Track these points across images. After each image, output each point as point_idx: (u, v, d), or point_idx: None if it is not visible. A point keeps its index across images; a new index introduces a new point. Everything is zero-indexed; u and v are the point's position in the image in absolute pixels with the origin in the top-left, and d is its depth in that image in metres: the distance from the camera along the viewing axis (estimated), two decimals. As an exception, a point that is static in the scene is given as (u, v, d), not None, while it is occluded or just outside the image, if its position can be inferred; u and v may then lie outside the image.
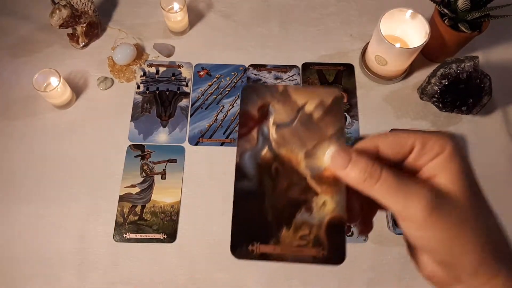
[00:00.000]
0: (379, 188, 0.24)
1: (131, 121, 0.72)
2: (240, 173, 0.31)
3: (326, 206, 0.30)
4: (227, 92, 0.74)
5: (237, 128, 0.70)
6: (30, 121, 0.72)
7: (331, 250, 0.29)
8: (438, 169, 0.25)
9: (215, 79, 0.75)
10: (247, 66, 0.76)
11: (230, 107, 0.73)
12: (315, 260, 0.29)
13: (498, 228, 0.25)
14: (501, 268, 0.24)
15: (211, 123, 0.72)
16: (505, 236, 0.25)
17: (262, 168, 0.31)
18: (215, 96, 0.74)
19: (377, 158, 0.26)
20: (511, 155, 0.69)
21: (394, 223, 0.63)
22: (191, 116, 0.72)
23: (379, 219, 0.65)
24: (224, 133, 0.71)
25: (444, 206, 0.24)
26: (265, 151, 0.30)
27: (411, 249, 0.28)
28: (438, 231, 0.24)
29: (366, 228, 0.30)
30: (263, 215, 0.30)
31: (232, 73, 0.76)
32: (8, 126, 0.71)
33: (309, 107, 0.31)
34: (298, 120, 0.31)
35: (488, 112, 0.73)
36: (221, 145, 0.70)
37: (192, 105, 0.73)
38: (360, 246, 0.64)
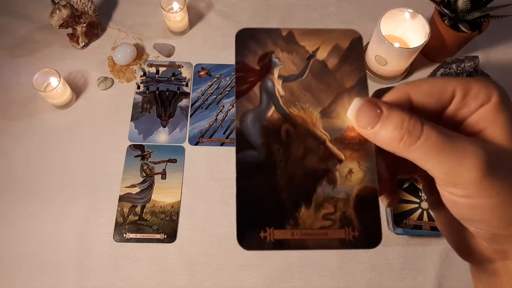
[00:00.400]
0: (420, 148, 0.19)
1: (131, 121, 0.72)
2: (242, 141, 0.24)
3: (352, 175, 0.24)
4: (227, 92, 0.74)
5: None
6: (30, 121, 0.71)
7: (363, 231, 0.23)
8: (486, 120, 0.20)
9: (215, 79, 0.75)
10: None
11: (230, 107, 0.73)
12: (345, 244, 0.23)
13: None
14: None
15: (211, 123, 0.72)
16: None
17: (270, 133, 0.24)
18: (215, 96, 0.74)
19: (415, 111, 0.21)
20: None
21: (394, 223, 0.63)
22: (191, 116, 0.72)
23: (379, 219, 0.65)
24: (224, 133, 0.71)
25: (500, 165, 0.19)
26: (271, 112, 0.24)
27: (443, 223, 0.25)
28: (493, 196, 0.19)
29: (394, 198, 0.25)
30: (275, 192, 0.23)
31: (232, 73, 0.76)
32: (8, 126, 0.71)
33: (321, 54, 0.25)
34: (309, 70, 0.25)
35: (488, 112, 0.72)
36: (221, 145, 0.70)
37: (192, 105, 0.73)
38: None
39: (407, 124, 0.20)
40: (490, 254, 0.22)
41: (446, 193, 0.20)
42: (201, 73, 0.76)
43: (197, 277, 0.62)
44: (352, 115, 0.22)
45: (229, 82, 0.75)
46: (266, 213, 0.23)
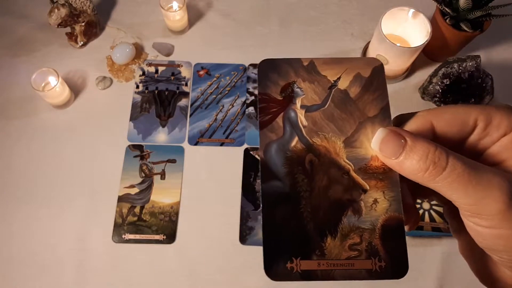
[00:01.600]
0: (446, 179, 0.19)
1: (130, 121, 0.72)
2: (267, 171, 0.24)
3: (378, 205, 0.24)
4: (226, 92, 0.73)
5: (237, 128, 0.69)
6: (28, 121, 0.71)
7: (390, 261, 0.23)
8: (508, 151, 0.21)
9: (215, 79, 0.74)
10: (247, 66, 0.76)
11: (230, 106, 0.72)
12: (372, 275, 0.23)
13: None
14: None
15: (210, 123, 0.71)
16: None
17: (294, 163, 0.25)
18: (214, 96, 0.73)
19: (437, 139, 0.21)
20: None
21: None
22: (190, 116, 0.72)
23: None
24: (224, 133, 0.70)
25: None
26: (295, 142, 0.25)
27: (466, 250, 0.24)
28: None
29: (416, 223, 0.25)
30: (301, 223, 0.24)
31: (232, 73, 0.75)
32: (6, 125, 0.71)
33: (343, 83, 0.26)
34: (331, 99, 0.26)
35: (489, 112, 0.72)
36: (221, 145, 0.69)
37: (191, 105, 0.73)
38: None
39: (432, 155, 0.20)
40: None
41: (471, 223, 0.20)
42: (201, 72, 0.75)
43: (197, 278, 0.61)
44: (376, 145, 0.22)
45: (229, 81, 0.74)
46: (293, 244, 0.23)
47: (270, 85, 0.26)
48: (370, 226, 0.23)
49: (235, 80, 0.74)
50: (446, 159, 0.19)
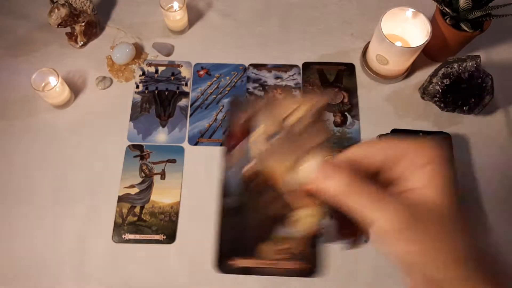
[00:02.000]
0: (355, 199, 0.24)
1: (130, 121, 0.72)
2: (225, 189, 0.32)
3: (304, 220, 0.30)
4: (226, 92, 0.73)
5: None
6: (29, 121, 0.71)
7: (309, 263, 0.31)
8: (423, 180, 0.24)
9: (215, 79, 0.75)
10: (247, 66, 0.76)
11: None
12: (293, 273, 0.31)
13: (479, 247, 0.24)
14: (487, 283, 0.23)
15: (210, 123, 0.71)
16: (488, 254, 0.25)
17: (246, 184, 0.31)
18: (214, 96, 0.73)
19: (358, 169, 0.26)
20: (513, 155, 0.69)
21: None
22: (190, 116, 0.72)
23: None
24: (223, 133, 0.70)
25: (425, 218, 0.23)
26: (247, 167, 0.30)
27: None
28: (418, 244, 0.23)
29: (355, 242, 0.31)
30: (244, 230, 0.31)
31: (232, 73, 0.75)
32: (6, 126, 0.71)
33: (293, 119, 0.31)
34: (282, 132, 0.31)
35: (490, 111, 0.72)
36: (221, 145, 0.69)
37: (191, 105, 0.73)
38: (361, 247, 0.63)
39: (349, 179, 0.25)
40: None
41: (379, 239, 0.24)
42: (201, 72, 0.75)
43: (197, 278, 0.61)
44: (308, 172, 0.27)
45: (229, 81, 0.74)
46: (236, 246, 0.31)
47: (236, 120, 0.31)
48: (298, 236, 0.30)
49: (235, 80, 0.74)
50: (359, 184, 0.24)
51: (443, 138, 0.69)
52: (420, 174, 0.24)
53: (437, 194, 0.24)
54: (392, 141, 0.26)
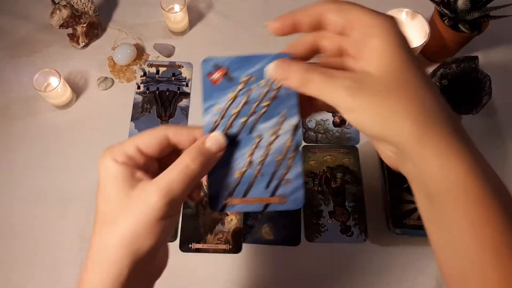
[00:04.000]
0: (312, 87, 0.27)
1: (131, 121, 0.72)
2: (185, 205, 0.65)
3: (232, 221, 0.64)
4: (264, 110, 0.33)
5: (290, 175, 0.33)
6: (30, 121, 0.72)
7: (234, 246, 0.63)
8: (373, 51, 0.26)
9: (241, 86, 0.34)
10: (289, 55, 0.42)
11: (273, 137, 0.33)
12: (226, 251, 0.62)
13: (439, 101, 0.26)
14: (452, 135, 0.25)
15: (242, 169, 0.33)
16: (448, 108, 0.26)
17: (198, 201, 0.64)
18: (243, 119, 0.33)
19: (316, 49, 0.32)
20: (511, 155, 0.70)
21: (394, 223, 0.63)
22: (210, 174, 0.33)
23: (378, 219, 0.65)
24: (267, 186, 0.33)
25: (367, 84, 0.25)
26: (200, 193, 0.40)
27: (373, 144, 0.31)
28: (368, 108, 0.25)
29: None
30: (197, 227, 0.64)
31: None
32: (8, 126, 0.71)
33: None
34: None
35: (487, 112, 0.73)
36: (264, 208, 0.34)
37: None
38: (359, 246, 0.64)
39: (305, 73, 0.28)
40: (396, 158, 0.28)
41: (347, 118, 0.27)
42: (215, 76, 0.34)
43: (197, 277, 0.62)
44: (270, 73, 0.31)
45: (266, 88, 0.33)
46: (192, 236, 0.64)
47: None
48: (227, 230, 0.64)
49: (276, 85, 0.34)
50: (313, 74, 0.28)
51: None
52: (370, 45, 0.26)
53: (381, 61, 0.25)
54: (342, 5, 0.28)
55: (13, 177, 0.68)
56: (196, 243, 0.63)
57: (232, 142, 0.32)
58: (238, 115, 0.33)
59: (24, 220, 0.65)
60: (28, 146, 0.70)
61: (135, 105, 0.73)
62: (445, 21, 0.68)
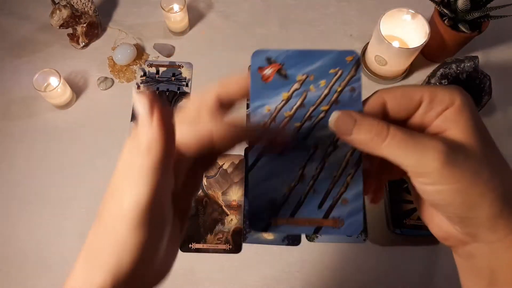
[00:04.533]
0: (389, 144, 0.23)
1: (131, 121, 0.72)
2: None
3: (232, 221, 0.64)
4: (322, 115, 0.28)
5: (348, 195, 0.29)
6: (30, 121, 0.72)
7: (234, 246, 0.63)
8: (448, 122, 0.24)
9: (296, 85, 0.28)
10: (359, 54, 0.30)
11: (330, 148, 0.28)
12: (225, 251, 0.63)
13: None
14: None
15: (292, 184, 0.27)
16: None
17: (198, 201, 0.65)
18: (297, 125, 0.28)
19: (383, 117, 0.25)
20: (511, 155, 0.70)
21: (394, 224, 0.63)
22: (252, 186, 0.28)
23: (378, 219, 0.65)
24: (320, 206, 0.27)
25: (459, 156, 0.23)
26: (200, 192, 0.54)
27: (424, 212, 0.28)
28: (453, 182, 0.22)
29: (377, 196, 0.29)
30: (198, 227, 0.64)
31: (331, 71, 0.28)
32: (8, 126, 0.71)
33: (225, 166, 0.66)
34: (219, 174, 0.65)
35: (487, 112, 0.73)
36: (316, 231, 0.28)
37: (248, 150, 0.28)
38: (360, 246, 0.64)
39: (376, 127, 0.24)
40: (462, 237, 0.25)
41: (417, 183, 0.24)
42: (267, 71, 0.28)
43: (198, 277, 0.62)
44: (332, 125, 0.25)
45: (326, 90, 0.28)
46: (192, 236, 0.63)
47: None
48: (227, 230, 0.63)
49: (339, 87, 0.28)
50: (387, 129, 0.23)
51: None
52: (443, 118, 0.24)
53: (467, 133, 0.23)
54: (416, 85, 0.25)
55: (13, 177, 0.68)
56: (196, 243, 0.63)
57: (283, 151, 0.27)
58: (291, 119, 0.28)
59: (23, 220, 0.65)
60: (28, 146, 0.70)
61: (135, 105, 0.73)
62: (445, 21, 0.68)
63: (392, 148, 0.23)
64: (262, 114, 0.27)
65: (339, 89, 0.28)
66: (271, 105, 0.28)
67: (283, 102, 0.28)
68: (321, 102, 0.28)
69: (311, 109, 0.28)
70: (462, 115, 0.23)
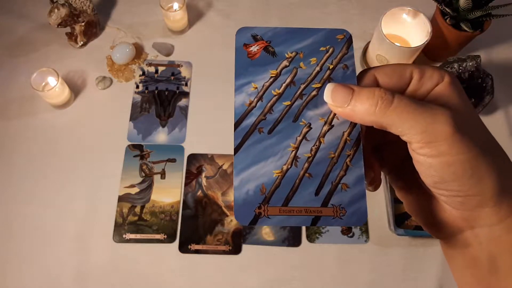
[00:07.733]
0: (395, 109, 0.21)
1: (130, 121, 0.71)
2: (184, 205, 0.64)
3: (232, 222, 0.63)
4: (314, 93, 0.26)
5: (348, 180, 0.26)
6: (28, 121, 0.71)
7: (234, 247, 0.62)
8: (442, 97, 0.23)
9: (286, 61, 0.27)
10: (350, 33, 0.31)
11: (325, 127, 0.26)
12: (225, 252, 0.61)
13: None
14: None
15: (284, 167, 0.25)
16: None
17: (197, 202, 0.64)
18: (287, 103, 0.26)
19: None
20: (513, 155, 0.69)
21: (396, 224, 0.62)
22: (234, 153, 0.26)
23: (380, 220, 0.65)
24: (317, 193, 0.24)
25: (465, 124, 0.21)
26: (199, 192, 0.58)
27: (411, 203, 0.27)
28: (465, 152, 0.21)
29: (377, 184, 0.27)
30: (198, 228, 0.63)
31: (321, 49, 0.28)
32: (6, 125, 0.71)
33: (225, 166, 0.66)
34: (218, 174, 0.65)
35: (490, 111, 0.72)
36: (314, 223, 0.25)
37: (236, 124, 0.26)
38: (361, 247, 0.63)
39: (379, 91, 0.22)
40: (459, 223, 0.24)
41: (421, 157, 0.22)
42: (253, 47, 0.28)
43: (197, 277, 0.61)
44: (328, 97, 0.24)
45: (316, 68, 0.27)
46: (192, 237, 0.62)
47: (192, 166, 0.65)
48: (227, 231, 0.62)
49: (330, 65, 0.27)
50: (392, 94, 0.22)
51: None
52: (435, 93, 0.24)
53: (463, 105, 0.23)
54: (405, 63, 0.25)
55: (11, 177, 0.67)
56: (195, 244, 0.62)
57: (271, 131, 0.25)
58: (280, 97, 0.25)
59: (22, 220, 0.64)
60: (26, 146, 0.69)
61: (133, 105, 0.73)
62: (447, 20, 0.67)
63: (399, 114, 0.21)
64: (247, 92, 0.25)
65: (331, 67, 0.26)
66: (257, 82, 0.26)
67: (271, 79, 0.26)
68: (312, 79, 0.26)
69: (302, 86, 0.26)
70: (455, 90, 0.23)
